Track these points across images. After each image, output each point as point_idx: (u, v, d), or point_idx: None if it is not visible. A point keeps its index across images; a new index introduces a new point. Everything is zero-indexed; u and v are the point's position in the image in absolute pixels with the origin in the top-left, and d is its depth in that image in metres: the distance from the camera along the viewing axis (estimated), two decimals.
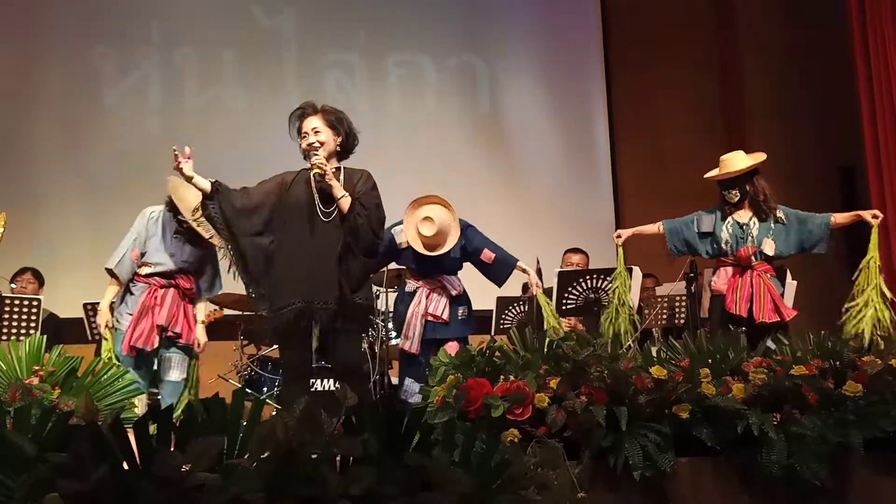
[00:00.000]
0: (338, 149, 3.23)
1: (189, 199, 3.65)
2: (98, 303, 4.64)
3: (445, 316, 4.01)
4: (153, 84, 6.56)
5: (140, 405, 3.17)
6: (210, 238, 3.59)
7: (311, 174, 3.11)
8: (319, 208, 3.14)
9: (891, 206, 5.92)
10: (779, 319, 3.72)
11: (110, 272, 3.61)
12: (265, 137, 6.57)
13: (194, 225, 3.56)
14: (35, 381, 2.21)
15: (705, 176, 4.13)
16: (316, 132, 3.19)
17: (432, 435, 1.59)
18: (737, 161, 3.95)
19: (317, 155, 3.11)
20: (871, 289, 3.48)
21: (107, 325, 3.55)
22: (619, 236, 4.08)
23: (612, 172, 7.11)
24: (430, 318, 4.01)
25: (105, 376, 2.33)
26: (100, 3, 6.56)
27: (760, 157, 4.01)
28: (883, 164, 5.98)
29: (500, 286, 4.25)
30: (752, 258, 3.82)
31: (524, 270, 4.07)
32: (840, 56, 6.48)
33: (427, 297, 4.02)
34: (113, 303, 3.63)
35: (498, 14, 7.04)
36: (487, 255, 4.09)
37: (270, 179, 3.32)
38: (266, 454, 1.43)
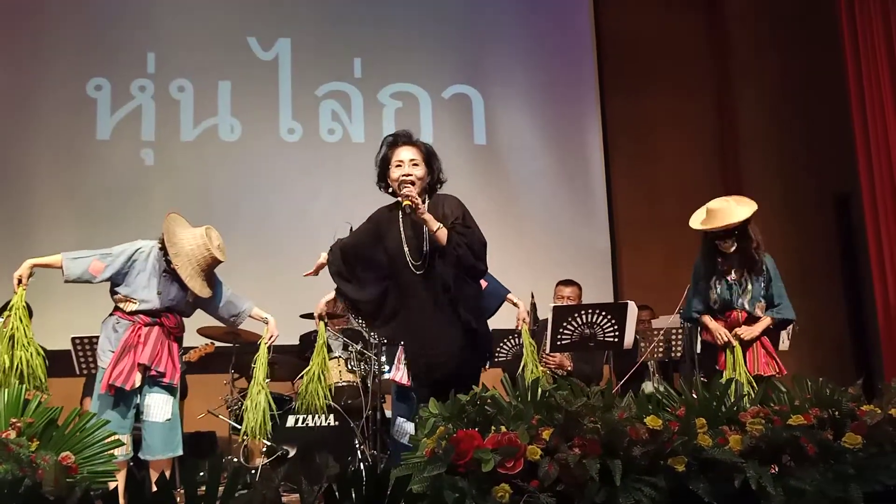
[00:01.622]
0: (427, 186, 3.10)
1: (182, 241, 3.57)
2: (87, 336, 4.60)
3: None
4: (148, 115, 6.56)
5: (121, 448, 3.08)
6: (188, 282, 3.51)
7: (402, 206, 2.99)
8: (409, 261, 3.02)
9: (885, 233, 5.91)
10: (774, 373, 3.71)
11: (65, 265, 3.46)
12: (260, 169, 6.57)
13: (178, 270, 3.49)
14: (12, 434, 2.15)
15: (697, 227, 4.01)
16: (414, 164, 3.05)
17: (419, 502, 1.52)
18: (735, 211, 3.87)
19: (408, 187, 2.99)
20: None
21: (19, 280, 3.33)
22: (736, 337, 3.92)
23: (608, 201, 7.10)
24: None
25: (85, 427, 2.26)
26: (97, 34, 6.58)
27: (753, 205, 3.92)
28: (877, 191, 5.99)
29: (487, 318, 4.19)
30: (742, 324, 3.84)
31: (514, 303, 4.02)
32: (834, 84, 6.51)
33: None
34: (38, 264, 3.41)
35: (492, 45, 7.07)
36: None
37: (366, 222, 3.20)
38: None
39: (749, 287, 3.86)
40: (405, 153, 3.07)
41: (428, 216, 2.98)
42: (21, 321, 3.22)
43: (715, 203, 3.96)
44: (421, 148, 3.10)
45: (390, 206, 3.17)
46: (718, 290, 3.90)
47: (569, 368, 4.64)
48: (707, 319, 3.97)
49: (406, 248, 3.04)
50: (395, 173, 3.05)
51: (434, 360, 2.98)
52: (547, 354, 4.48)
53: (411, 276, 3.02)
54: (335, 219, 3.29)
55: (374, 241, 3.11)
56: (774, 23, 6.99)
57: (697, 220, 3.99)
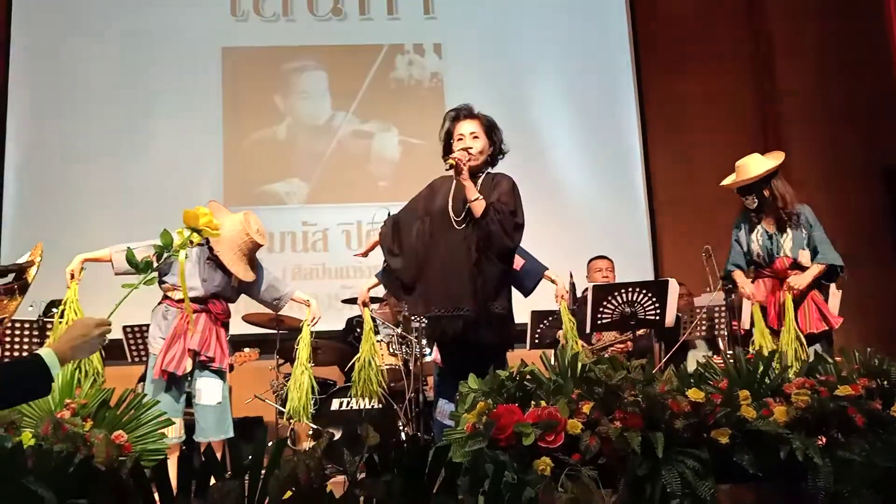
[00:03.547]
0: (488, 158, 3.13)
1: (222, 228, 3.65)
2: (138, 325, 4.73)
3: None
4: (196, 117, 6.68)
5: (173, 431, 3.18)
6: (231, 267, 3.58)
7: (446, 164, 3.02)
8: (451, 216, 3.04)
9: None
10: (826, 328, 3.61)
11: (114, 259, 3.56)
12: (302, 156, 6.66)
13: (220, 256, 3.56)
14: (67, 414, 2.22)
15: (721, 184, 4.03)
16: (475, 137, 3.08)
17: (459, 474, 1.54)
18: (751, 166, 3.86)
19: (462, 152, 3.01)
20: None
21: (72, 274, 3.44)
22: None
23: (647, 181, 7.00)
24: None
25: (137, 407, 2.33)
26: (158, 42, 6.73)
27: (778, 157, 3.89)
28: None
29: (526, 296, 4.15)
30: (790, 270, 3.72)
31: (552, 280, 4.00)
32: (879, 53, 6.30)
33: None
34: (88, 259, 3.53)
35: (529, 25, 7.00)
36: (517, 260, 4.03)
37: (425, 187, 3.25)
38: (287, 496, 1.41)
39: (789, 235, 3.78)
40: (466, 127, 3.10)
41: (469, 184, 2.99)
42: (75, 314, 3.33)
43: (740, 160, 3.95)
44: (482, 120, 3.11)
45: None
46: (760, 241, 3.84)
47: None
48: (736, 275, 3.90)
49: (451, 203, 3.06)
50: (457, 147, 3.07)
51: (450, 313, 2.97)
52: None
53: (451, 231, 3.03)
54: (374, 206, 3.33)
55: (423, 206, 3.13)
56: None
57: (728, 178, 4.02)
